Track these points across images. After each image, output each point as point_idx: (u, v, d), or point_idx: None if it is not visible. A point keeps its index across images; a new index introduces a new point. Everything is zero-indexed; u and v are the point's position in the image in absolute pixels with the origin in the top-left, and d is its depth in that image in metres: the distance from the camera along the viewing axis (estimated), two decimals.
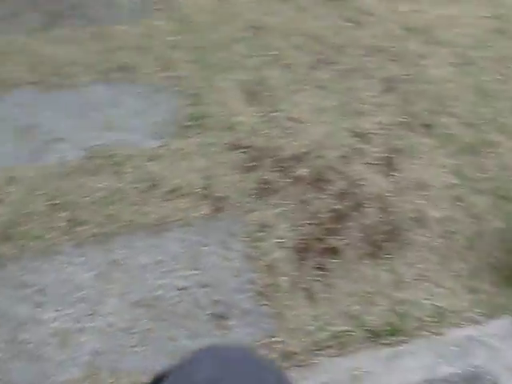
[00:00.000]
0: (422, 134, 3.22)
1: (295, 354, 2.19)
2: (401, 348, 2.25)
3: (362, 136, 3.18)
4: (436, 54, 3.70)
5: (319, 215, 2.75)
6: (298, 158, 3.01)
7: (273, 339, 2.24)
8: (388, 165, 3.02)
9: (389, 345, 2.25)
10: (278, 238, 2.64)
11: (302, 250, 2.60)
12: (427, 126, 3.26)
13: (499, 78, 3.60)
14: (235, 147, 3.07)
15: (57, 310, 2.31)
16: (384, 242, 2.67)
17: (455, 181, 2.99)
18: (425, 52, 3.70)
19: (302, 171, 2.94)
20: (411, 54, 3.68)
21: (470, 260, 2.63)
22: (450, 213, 2.82)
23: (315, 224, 2.72)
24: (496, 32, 3.92)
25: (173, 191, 2.83)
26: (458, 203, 2.87)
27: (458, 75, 3.58)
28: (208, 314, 2.32)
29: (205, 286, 2.43)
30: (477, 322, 2.37)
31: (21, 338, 2.21)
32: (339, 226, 2.71)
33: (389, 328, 2.32)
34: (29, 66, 3.69)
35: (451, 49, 3.76)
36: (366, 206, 2.80)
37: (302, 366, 2.16)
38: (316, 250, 2.61)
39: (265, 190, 2.85)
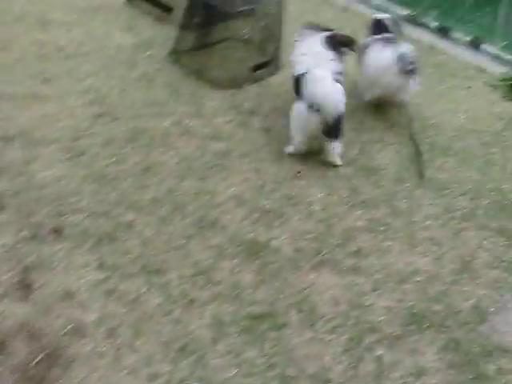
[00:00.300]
0: (53, 242, 3.22)
1: None
2: None
3: None
4: (42, 156, 3.77)
5: None
6: None
7: None
8: (24, 287, 2.94)
9: None
10: None
11: None
12: (56, 232, 3.29)
13: (114, 159, 3.85)
14: None
15: None
16: (45, 371, 2.57)
17: (102, 275, 3.07)
18: (29, 157, 3.74)
19: None
20: (14, 163, 3.68)
21: (141, 348, 2.72)
22: (105, 310, 2.87)
23: None
24: (97, 117, 4.21)
25: None
26: (110, 297, 2.94)
27: (72, 169, 3.71)
28: None
29: None
30: None
31: None
32: None
33: None
34: None
35: (57, 145, 3.88)
36: (10, 342, 2.65)
37: None
38: None
39: None
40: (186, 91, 4.73)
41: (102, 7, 5.69)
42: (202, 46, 5.21)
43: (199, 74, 4.96)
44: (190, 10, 5.08)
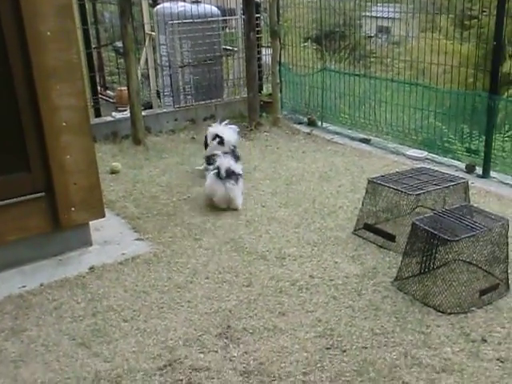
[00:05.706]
0: None
1: None
2: None
3: None
4: None
5: None
6: None
7: None
8: None
9: None
10: None
11: None
12: None
13: None
14: None
15: None
16: None
17: None
18: None
19: None
20: None
21: None
22: None
23: None
24: (326, 350, 4.22)
25: None
26: None
27: None
28: None
29: None
30: None
31: None
32: None
33: None
34: None
35: (290, 379, 3.92)
36: None
37: None
38: None
39: None
40: (413, 318, 4.59)
41: (332, 239, 6.02)
42: (426, 270, 5.13)
43: (425, 300, 4.83)
44: (413, 237, 5.12)
